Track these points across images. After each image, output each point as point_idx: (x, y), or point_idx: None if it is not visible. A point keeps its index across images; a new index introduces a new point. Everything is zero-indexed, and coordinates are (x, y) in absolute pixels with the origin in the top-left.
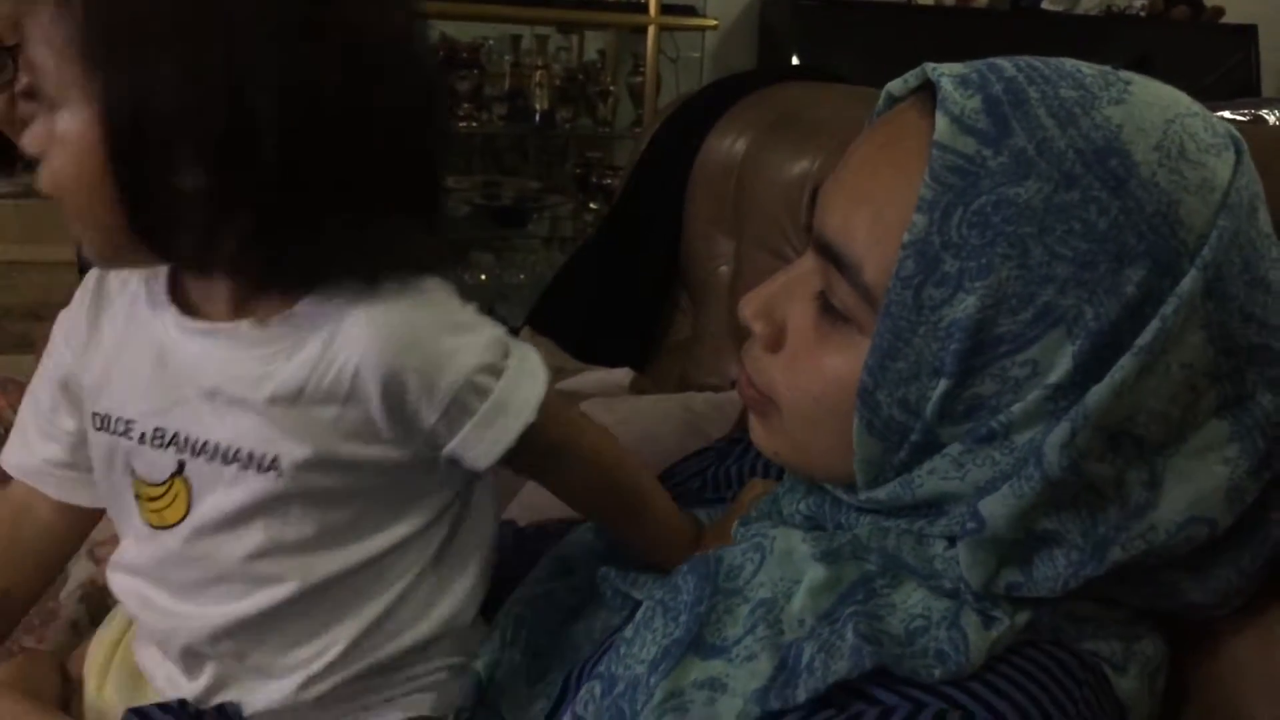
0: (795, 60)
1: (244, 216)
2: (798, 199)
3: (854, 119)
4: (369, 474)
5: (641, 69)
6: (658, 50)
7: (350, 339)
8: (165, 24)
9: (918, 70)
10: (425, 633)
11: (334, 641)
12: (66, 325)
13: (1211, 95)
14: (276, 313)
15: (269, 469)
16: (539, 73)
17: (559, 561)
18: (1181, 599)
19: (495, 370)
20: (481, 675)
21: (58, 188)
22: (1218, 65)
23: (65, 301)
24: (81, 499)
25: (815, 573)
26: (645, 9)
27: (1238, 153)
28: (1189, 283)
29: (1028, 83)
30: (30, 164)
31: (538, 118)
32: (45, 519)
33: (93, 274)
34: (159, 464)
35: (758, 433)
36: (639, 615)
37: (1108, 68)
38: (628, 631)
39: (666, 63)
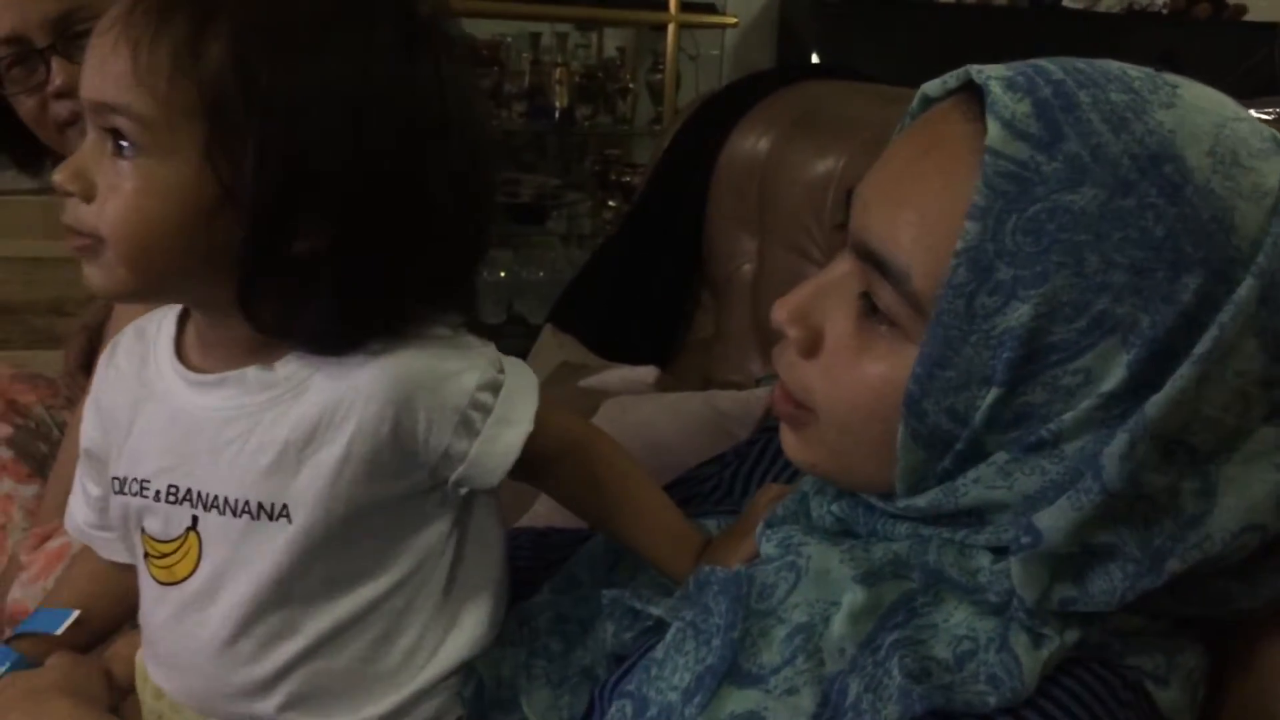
0: (815, 58)
1: (335, 286)
2: (822, 198)
3: (878, 118)
4: (374, 512)
5: (661, 66)
6: (677, 48)
7: (357, 377)
8: (328, 100)
9: (958, 72)
10: (445, 665)
11: (359, 686)
12: (92, 394)
13: (1234, 93)
14: (280, 356)
15: (279, 517)
16: (558, 70)
17: (567, 575)
18: (1230, 606)
19: (494, 386)
20: (485, 675)
21: (131, 229)
22: (1240, 63)
23: (86, 297)
24: (120, 556)
25: (855, 596)
26: (665, 6)
27: None
28: (1245, 290)
29: (1077, 86)
30: (59, 160)
31: (557, 115)
32: (109, 567)
33: (113, 346)
34: (173, 520)
35: (791, 444)
36: (669, 637)
37: (1150, 69)
38: (658, 652)
39: (686, 60)
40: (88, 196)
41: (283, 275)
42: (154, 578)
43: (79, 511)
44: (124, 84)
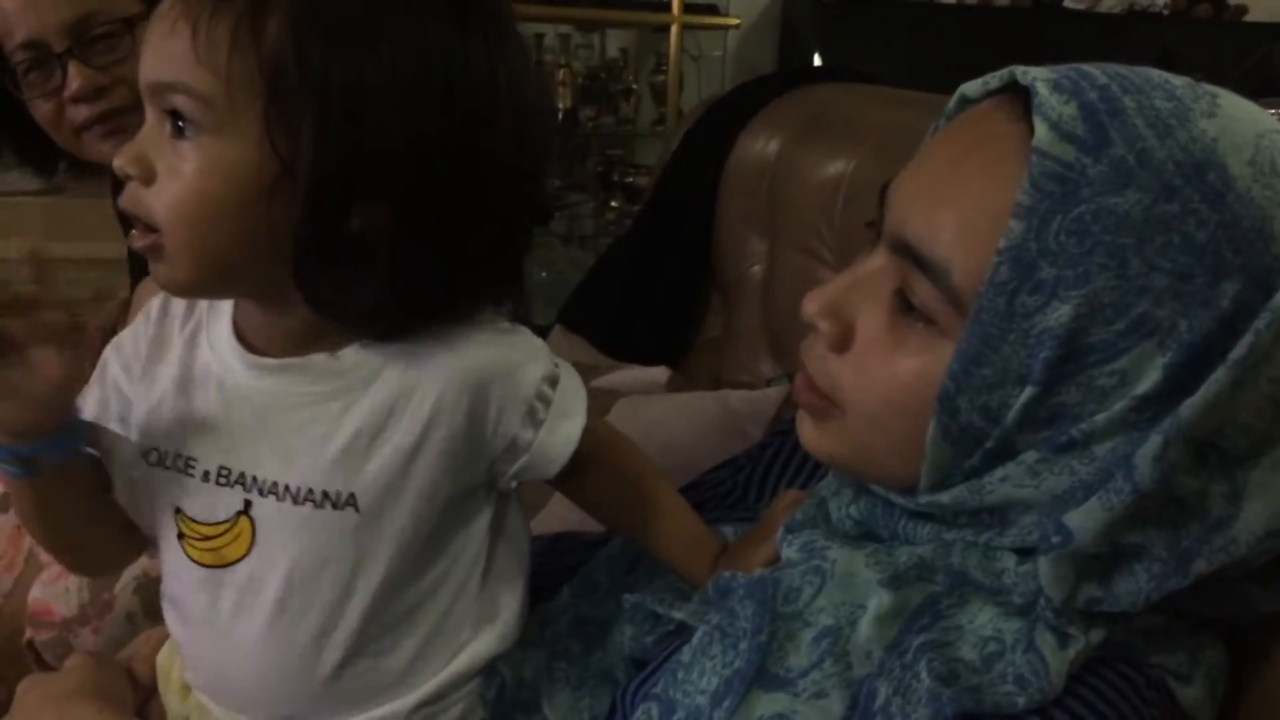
0: (817, 58)
1: (392, 264)
2: (832, 199)
3: (886, 121)
4: (434, 505)
5: (664, 67)
6: (680, 49)
7: (432, 364)
8: (384, 73)
9: (1001, 73)
10: (477, 659)
11: (401, 681)
12: (125, 353)
13: (1235, 93)
14: (346, 344)
15: (344, 506)
16: (561, 71)
17: (585, 578)
18: (1252, 609)
19: (553, 379)
20: (506, 676)
21: (191, 209)
22: (1240, 63)
23: (90, 298)
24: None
25: (881, 599)
26: (668, 8)
27: None
28: None
29: (1121, 91)
30: (77, 166)
31: (560, 116)
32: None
33: (154, 307)
34: (221, 503)
35: (810, 435)
36: (695, 640)
37: (1188, 78)
38: (684, 655)
39: (688, 61)
40: (148, 180)
41: (340, 253)
42: (193, 559)
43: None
44: (184, 62)
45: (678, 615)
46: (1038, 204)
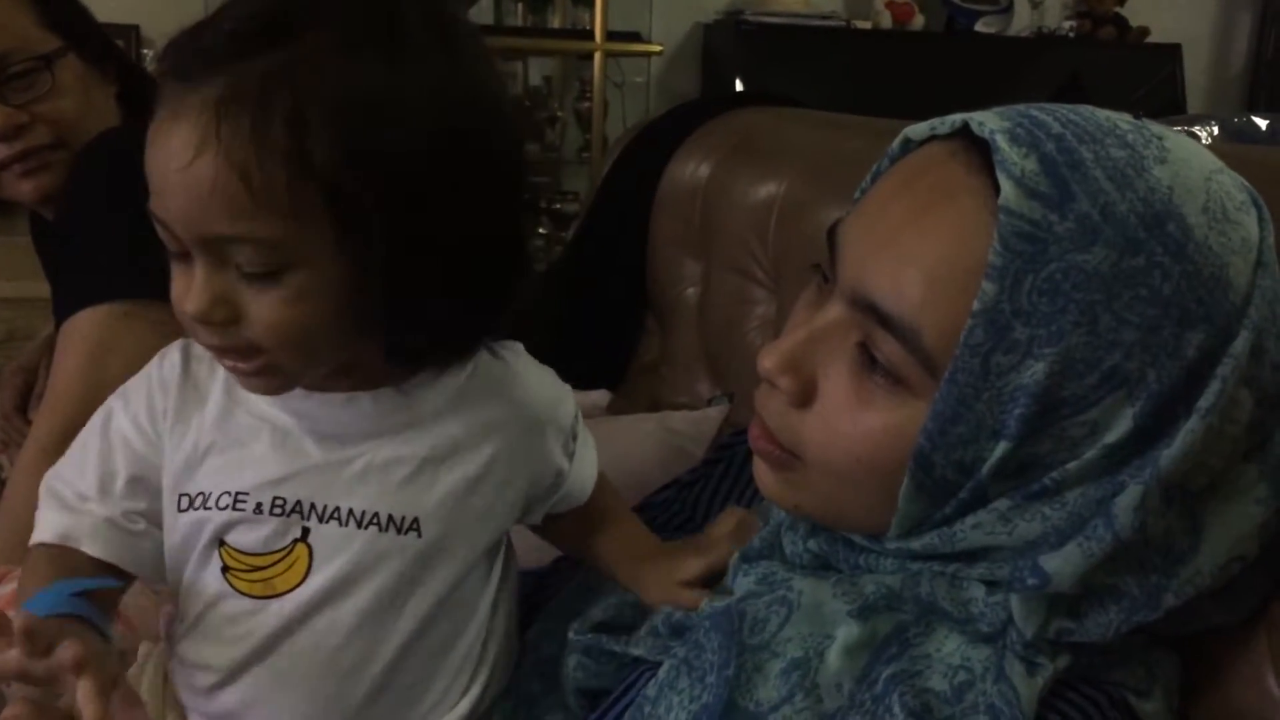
0: (738, 83)
1: (458, 313)
2: (765, 221)
3: (813, 143)
4: (490, 531)
5: (588, 94)
6: (604, 76)
7: (501, 397)
8: (431, 154)
9: (951, 119)
10: (470, 707)
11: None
12: (141, 413)
13: (1139, 112)
14: (407, 378)
15: (408, 531)
16: None
17: (546, 620)
18: (1205, 622)
19: (577, 412)
20: None
21: (292, 334)
22: (1144, 83)
23: None
24: (125, 561)
25: (849, 629)
26: (591, 35)
27: (1258, 207)
28: (1241, 343)
29: (1077, 141)
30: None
31: None
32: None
33: (173, 357)
34: (276, 532)
35: (771, 485)
36: (662, 674)
37: (1128, 115)
38: (650, 690)
39: (612, 88)
40: (234, 320)
41: (418, 318)
42: (244, 593)
43: (96, 508)
44: (242, 213)
45: (635, 652)
46: (1009, 264)
